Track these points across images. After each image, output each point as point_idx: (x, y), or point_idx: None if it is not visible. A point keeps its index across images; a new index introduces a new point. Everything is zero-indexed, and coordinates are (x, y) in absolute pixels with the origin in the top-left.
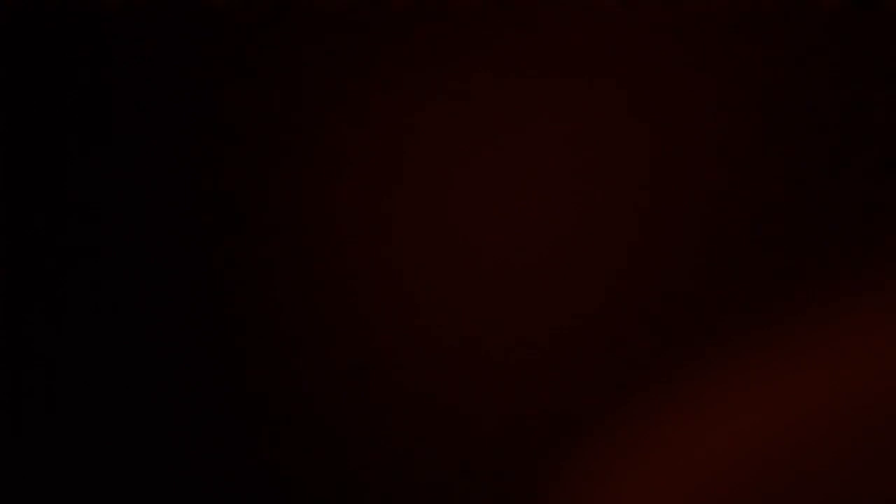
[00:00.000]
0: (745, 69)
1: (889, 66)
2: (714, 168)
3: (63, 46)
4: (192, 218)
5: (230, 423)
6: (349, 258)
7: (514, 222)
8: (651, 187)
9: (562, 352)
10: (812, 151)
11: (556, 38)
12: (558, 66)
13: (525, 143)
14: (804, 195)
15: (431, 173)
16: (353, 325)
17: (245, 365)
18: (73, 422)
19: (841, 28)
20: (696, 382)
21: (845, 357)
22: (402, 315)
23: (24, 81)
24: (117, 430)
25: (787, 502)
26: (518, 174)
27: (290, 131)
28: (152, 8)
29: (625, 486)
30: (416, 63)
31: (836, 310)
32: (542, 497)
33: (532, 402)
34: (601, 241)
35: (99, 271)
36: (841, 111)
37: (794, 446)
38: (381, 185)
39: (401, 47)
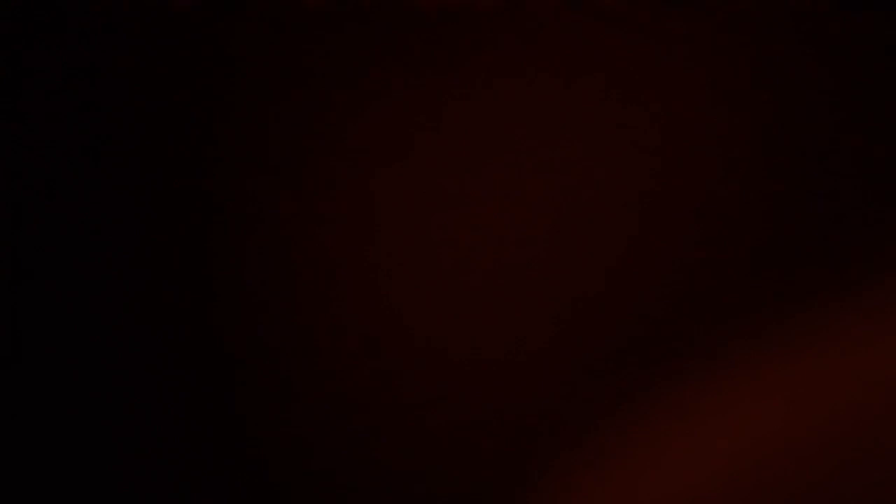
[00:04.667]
0: (744, 70)
1: (890, 64)
2: (716, 168)
3: (52, 43)
4: (182, 219)
5: (217, 424)
6: (341, 257)
7: (513, 223)
8: (651, 188)
9: (559, 353)
10: (813, 150)
11: (556, 41)
12: (556, 68)
13: (522, 146)
14: (806, 193)
15: (427, 174)
16: (348, 325)
17: (235, 364)
18: (63, 421)
19: (840, 27)
20: (695, 383)
21: (847, 355)
22: (395, 315)
23: (11, 78)
24: (104, 430)
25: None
26: (516, 175)
27: (282, 131)
28: (149, 5)
29: (623, 487)
30: (413, 64)
31: (839, 308)
32: (539, 498)
33: (529, 403)
34: (601, 241)
35: (86, 273)
36: (842, 111)
37: (794, 447)
38: (375, 185)
39: (396, 49)
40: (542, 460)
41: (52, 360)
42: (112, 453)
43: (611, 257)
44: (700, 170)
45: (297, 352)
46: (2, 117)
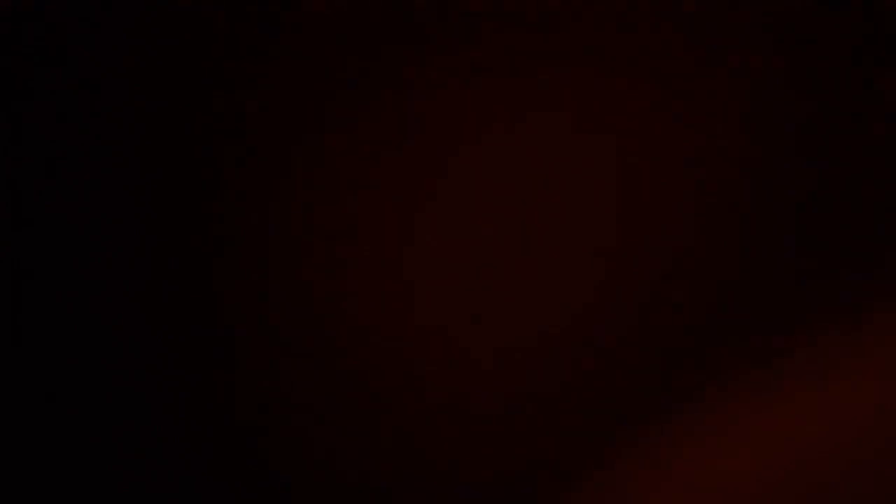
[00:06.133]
0: (743, 72)
1: (888, 63)
2: (717, 171)
3: (53, 43)
4: (183, 219)
5: (229, 429)
6: (340, 258)
7: (512, 224)
8: (651, 190)
9: (557, 359)
10: (811, 152)
11: (553, 38)
12: (555, 65)
13: (520, 144)
14: (804, 198)
15: (422, 175)
16: (347, 327)
17: (236, 364)
18: (63, 421)
19: (838, 26)
20: (700, 391)
21: (853, 364)
22: (395, 317)
23: (13, 78)
24: (106, 430)
25: None
26: (514, 176)
27: (284, 130)
28: (150, 5)
29: (635, 489)
30: (413, 61)
31: (842, 314)
32: (548, 498)
33: (527, 411)
34: (602, 245)
35: (86, 273)
36: (840, 112)
37: (803, 457)
38: (370, 187)
39: (398, 46)
40: (561, 459)
41: (53, 360)
42: (113, 454)
43: (615, 259)
44: (699, 174)
45: (315, 354)
46: (2, 117)
